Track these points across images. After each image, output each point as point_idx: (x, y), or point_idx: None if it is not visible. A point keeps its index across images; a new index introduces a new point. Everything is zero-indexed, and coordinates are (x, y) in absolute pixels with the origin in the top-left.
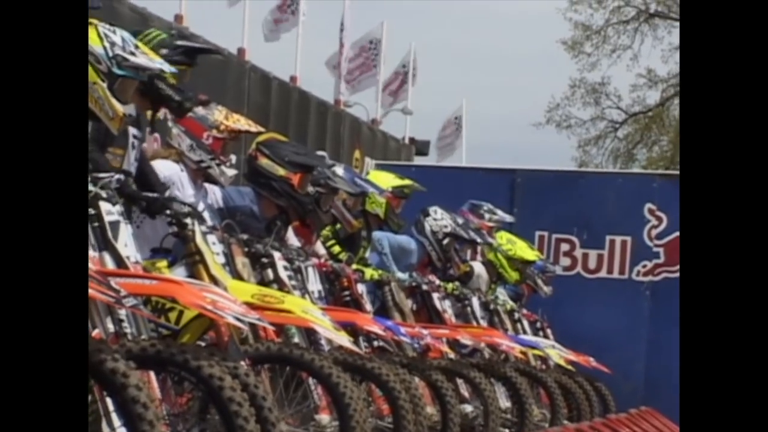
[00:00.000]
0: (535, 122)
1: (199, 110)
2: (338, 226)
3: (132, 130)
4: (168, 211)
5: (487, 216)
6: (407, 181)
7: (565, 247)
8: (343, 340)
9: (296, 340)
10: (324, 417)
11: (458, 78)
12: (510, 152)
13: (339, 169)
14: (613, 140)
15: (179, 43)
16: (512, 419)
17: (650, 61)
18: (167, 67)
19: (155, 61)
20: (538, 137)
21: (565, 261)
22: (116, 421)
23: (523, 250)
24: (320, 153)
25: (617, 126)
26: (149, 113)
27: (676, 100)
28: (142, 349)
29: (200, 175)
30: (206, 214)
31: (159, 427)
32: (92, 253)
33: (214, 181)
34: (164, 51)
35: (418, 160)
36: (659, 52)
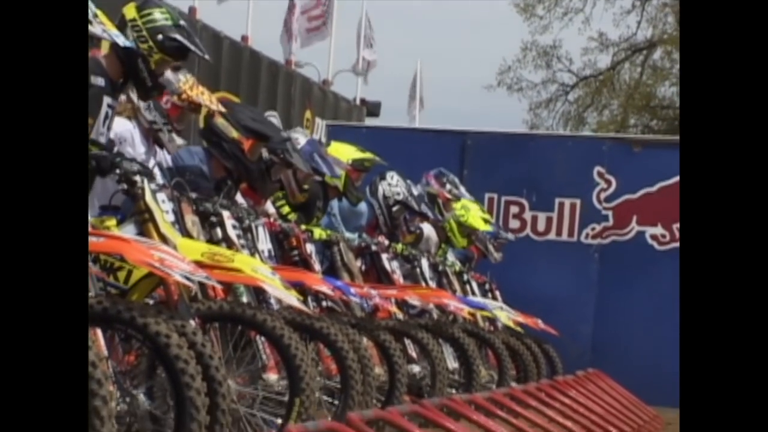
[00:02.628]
0: (486, 85)
1: (168, 74)
2: None
3: (107, 99)
4: (117, 170)
5: (448, 187)
6: (368, 155)
7: (514, 209)
8: (292, 299)
9: (245, 299)
10: (272, 376)
11: (409, 40)
12: (461, 115)
13: (302, 139)
14: (563, 103)
15: (176, 36)
16: (459, 380)
17: (602, 24)
18: (122, 41)
19: (110, 33)
20: (490, 100)
21: (515, 223)
22: None
23: (475, 218)
24: (271, 113)
25: (568, 89)
26: (120, 81)
27: (627, 64)
28: (88, 307)
29: (152, 135)
30: (156, 172)
31: (107, 385)
32: None
33: (161, 145)
34: (160, 36)
35: (369, 121)
36: (611, 15)
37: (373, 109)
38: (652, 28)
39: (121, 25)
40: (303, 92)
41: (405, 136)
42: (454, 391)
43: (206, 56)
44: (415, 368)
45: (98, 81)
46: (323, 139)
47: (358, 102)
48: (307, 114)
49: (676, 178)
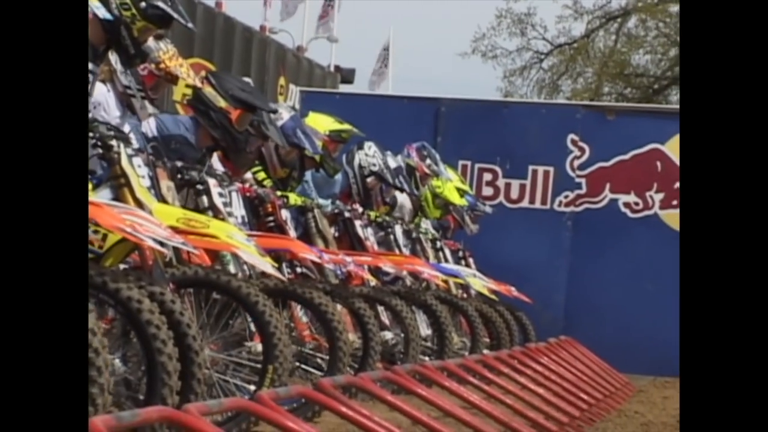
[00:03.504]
0: (460, 52)
1: (150, 41)
2: None
3: (89, 66)
4: (92, 134)
5: (428, 162)
6: (346, 126)
7: (487, 176)
8: (267, 266)
9: (232, 267)
10: (258, 345)
11: (384, 7)
12: (436, 82)
13: (285, 114)
14: (538, 71)
15: (159, 4)
16: (432, 347)
17: None
18: (102, 13)
19: (90, 4)
20: (464, 67)
21: (488, 190)
22: None
23: (451, 192)
24: (246, 79)
25: (542, 57)
26: (102, 48)
27: (601, 32)
28: None
29: (125, 99)
30: (132, 137)
31: (104, 354)
32: None
33: (132, 111)
34: (143, 4)
35: (344, 88)
36: None
37: (348, 75)
38: None
39: None
40: (277, 59)
41: (379, 102)
42: (426, 358)
43: (190, 25)
44: (388, 335)
45: None
46: (297, 106)
47: (332, 69)
48: (282, 80)
49: (650, 146)
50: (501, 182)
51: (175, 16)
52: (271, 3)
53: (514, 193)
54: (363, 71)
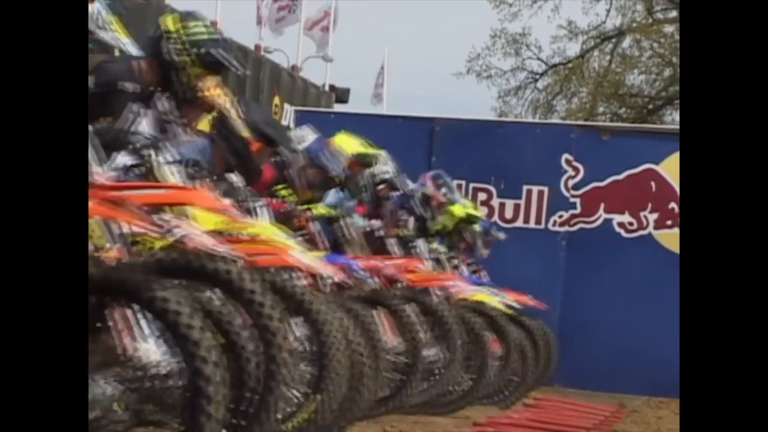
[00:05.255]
0: (455, 72)
1: None
2: None
3: (133, 106)
4: (130, 145)
5: (443, 190)
6: (371, 150)
7: (482, 196)
8: (323, 267)
9: None
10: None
11: (379, 26)
12: (430, 102)
13: (309, 137)
14: (532, 91)
15: (215, 51)
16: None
17: (571, 12)
18: (133, 50)
19: (121, 41)
20: (459, 87)
21: (482, 210)
22: None
23: (457, 207)
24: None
25: (537, 77)
26: (150, 89)
27: (596, 52)
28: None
29: (160, 124)
30: (168, 146)
31: None
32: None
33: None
34: (195, 50)
35: (338, 108)
36: (580, 3)
37: (342, 95)
38: (621, 17)
39: (156, 35)
40: (272, 78)
41: (373, 122)
42: None
43: (246, 71)
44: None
45: (127, 86)
46: (291, 125)
47: (327, 88)
48: (276, 100)
49: (644, 166)
50: (495, 202)
51: (227, 64)
52: (266, 23)
53: (509, 213)
54: (357, 91)
